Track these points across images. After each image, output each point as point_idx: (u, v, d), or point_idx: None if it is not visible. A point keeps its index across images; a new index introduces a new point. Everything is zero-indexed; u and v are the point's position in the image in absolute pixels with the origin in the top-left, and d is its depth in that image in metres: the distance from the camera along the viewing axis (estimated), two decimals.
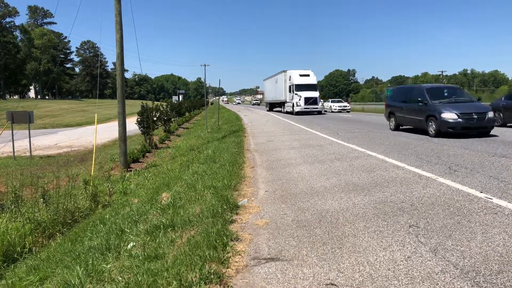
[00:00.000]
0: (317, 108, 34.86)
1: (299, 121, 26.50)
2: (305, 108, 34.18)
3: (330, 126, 21.27)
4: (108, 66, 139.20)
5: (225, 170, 8.58)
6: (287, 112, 37.96)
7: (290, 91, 36.11)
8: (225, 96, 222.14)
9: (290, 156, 10.64)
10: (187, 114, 43.91)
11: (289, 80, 36.53)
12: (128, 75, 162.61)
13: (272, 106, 46.58)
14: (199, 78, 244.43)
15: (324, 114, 37.20)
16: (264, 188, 6.99)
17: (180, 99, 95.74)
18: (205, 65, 50.94)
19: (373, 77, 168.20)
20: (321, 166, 8.84)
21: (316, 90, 35.35)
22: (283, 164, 9.50)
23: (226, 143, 14.61)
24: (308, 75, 36.05)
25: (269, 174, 8.32)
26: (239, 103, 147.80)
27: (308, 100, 34.11)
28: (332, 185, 6.93)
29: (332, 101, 45.63)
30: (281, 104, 40.86)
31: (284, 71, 37.98)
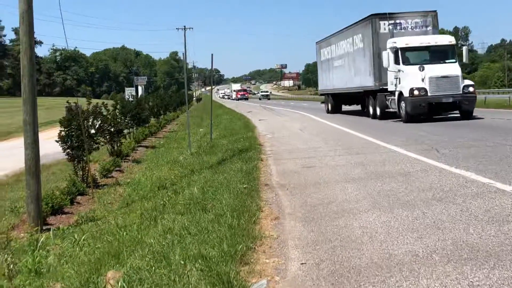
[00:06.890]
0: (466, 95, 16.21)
1: (360, 128, 16.72)
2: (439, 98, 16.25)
3: (422, 134, 13.17)
4: (5, 35, 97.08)
5: (224, 225, 5.40)
6: (382, 114, 19.08)
7: (396, 63, 17.35)
8: (236, 84, 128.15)
9: (348, 196, 6.79)
10: (152, 120, 29.65)
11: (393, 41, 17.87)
12: (42, 51, 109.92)
13: (341, 101, 26.33)
14: (174, 54, 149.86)
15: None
16: (298, 259, 4.10)
17: (140, 92, 64.17)
18: (184, 29, 29.98)
19: None
20: (408, 214, 5.51)
21: (455, 61, 17.31)
22: (333, 210, 6.07)
23: (225, 172, 9.87)
24: (428, 29, 19.26)
25: (308, 231, 5.14)
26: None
27: (441, 83, 16.37)
28: (429, 251, 4.01)
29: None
30: (365, 96, 21.56)
31: (375, 17, 19.50)
